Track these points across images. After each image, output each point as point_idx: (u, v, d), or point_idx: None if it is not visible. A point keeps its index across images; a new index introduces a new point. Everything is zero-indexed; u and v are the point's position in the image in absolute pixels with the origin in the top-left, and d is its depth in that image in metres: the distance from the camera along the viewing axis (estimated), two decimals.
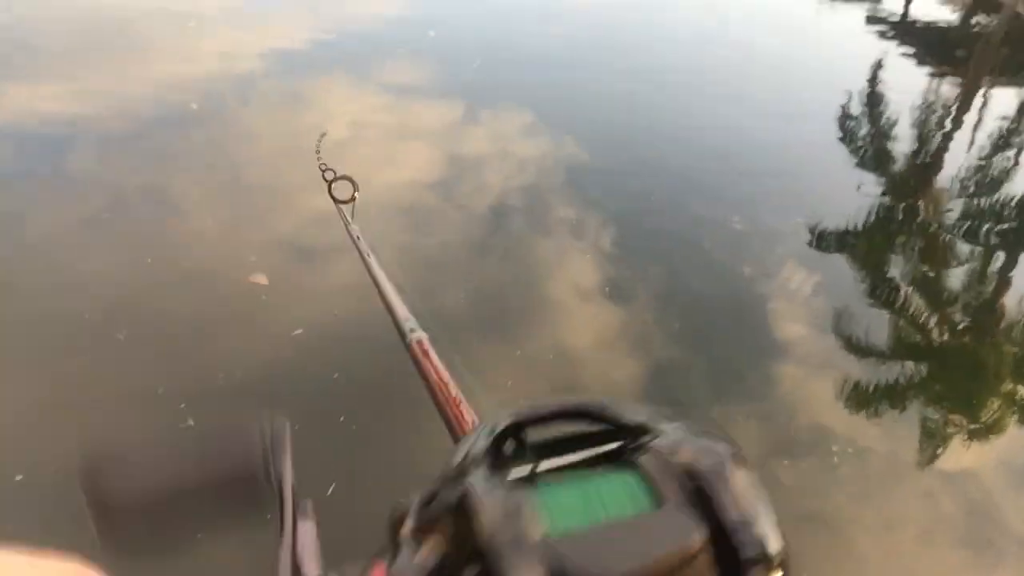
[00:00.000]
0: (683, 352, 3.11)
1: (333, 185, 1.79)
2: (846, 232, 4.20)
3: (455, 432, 0.79)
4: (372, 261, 1.37)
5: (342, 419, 2.54)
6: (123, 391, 2.59)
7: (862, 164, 5.18)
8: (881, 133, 5.65)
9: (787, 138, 5.28)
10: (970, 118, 6.21)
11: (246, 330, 2.92)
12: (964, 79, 6.95)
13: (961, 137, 5.81)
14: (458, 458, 0.39)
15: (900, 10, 8.73)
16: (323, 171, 1.91)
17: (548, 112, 5.10)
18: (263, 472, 0.46)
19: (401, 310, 1.12)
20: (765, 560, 0.34)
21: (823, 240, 4.10)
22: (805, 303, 3.57)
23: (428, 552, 0.36)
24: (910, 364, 3.34)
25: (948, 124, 6.05)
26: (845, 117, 5.78)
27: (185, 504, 0.45)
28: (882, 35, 7.84)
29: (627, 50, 6.63)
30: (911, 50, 7.52)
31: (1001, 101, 6.51)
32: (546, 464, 0.41)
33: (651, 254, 3.74)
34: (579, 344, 3.07)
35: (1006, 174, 5.27)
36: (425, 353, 0.96)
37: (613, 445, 0.42)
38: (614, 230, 3.86)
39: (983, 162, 5.36)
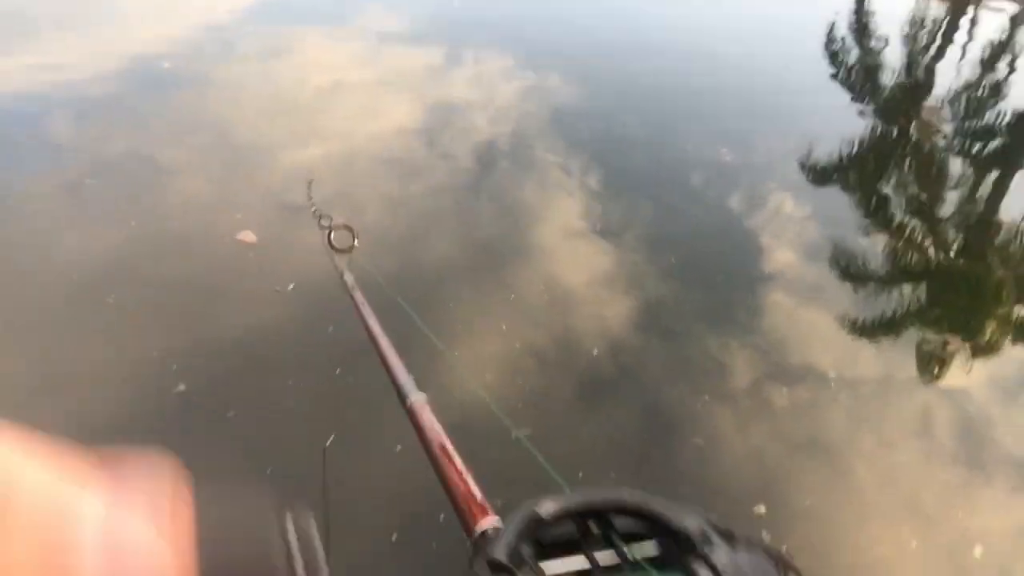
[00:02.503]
0: (681, 284, 3.10)
1: (333, 234, 1.68)
2: (839, 158, 4.16)
3: (462, 511, 0.74)
4: (368, 313, 1.30)
5: (338, 371, 2.53)
6: (114, 354, 2.57)
7: (851, 90, 5.12)
8: (870, 57, 5.56)
9: (770, 67, 5.20)
10: (959, 37, 6.12)
11: (236, 288, 2.89)
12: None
13: (951, 56, 5.72)
14: (499, 542, 0.38)
15: None
16: (318, 218, 1.80)
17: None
18: None
19: (399, 370, 1.06)
20: None
21: (816, 168, 4.06)
22: (800, 230, 3.54)
23: None
24: (906, 287, 3.33)
25: (937, 43, 5.96)
26: (831, 42, 5.69)
27: None
28: None
29: None
30: None
31: (990, 18, 6.41)
32: (602, 554, 0.40)
33: (648, 187, 3.70)
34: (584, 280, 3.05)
35: (995, 93, 5.21)
36: (426, 418, 0.93)
37: (653, 542, 0.41)
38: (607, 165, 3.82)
39: (973, 82, 5.29)
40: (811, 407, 2.60)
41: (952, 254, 3.60)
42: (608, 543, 0.40)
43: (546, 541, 0.40)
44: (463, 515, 0.72)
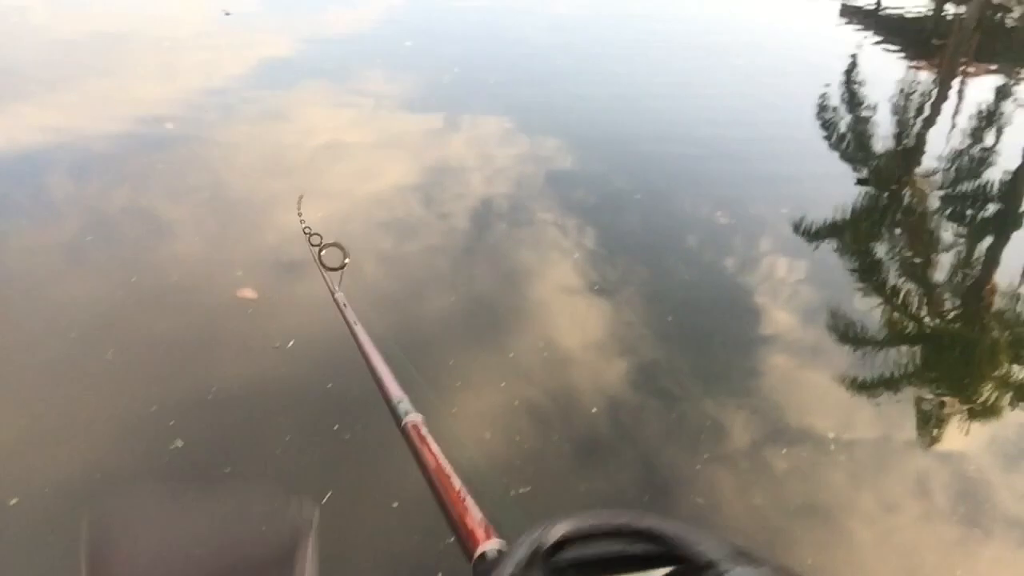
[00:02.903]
0: (676, 344, 3.11)
1: (323, 252, 1.65)
2: (832, 221, 4.22)
3: (461, 534, 0.72)
4: (360, 331, 1.26)
5: (336, 428, 2.52)
6: (112, 409, 2.57)
7: (844, 155, 5.20)
8: (861, 124, 5.68)
9: (767, 133, 5.29)
10: (949, 104, 6.26)
11: (235, 344, 2.90)
12: (940, 67, 7.00)
13: (941, 124, 5.84)
14: (510, 570, 0.36)
15: (873, 1, 8.79)
16: (308, 235, 1.78)
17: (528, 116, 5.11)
18: (285, 563, 0.40)
19: (394, 388, 1.03)
20: None
21: (809, 230, 4.11)
22: (794, 292, 3.57)
23: None
24: (901, 349, 3.35)
25: (927, 112, 6.09)
26: (824, 109, 5.81)
27: None
28: (856, 26, 7.90)
29: (605, 50, 6.65)
30: (886, 40, 7.57)
31: (977, 87, 6.56)
32: None
33: (641, 248, 3.74)
34: (579, 341, 3.06)
35: (986, 158, 5.30)
36: (422, 439, 0.89)
37: (665, 570, 0.39)
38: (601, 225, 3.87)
39: (963, 147, 5.39)
40: (810, 468, 2.59)
41: (947, 318, 3.63)
42: (619, 569, 0.38)
43: (552, 566, 0.38)
44: (462, 536, 0.70)
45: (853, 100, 6.04)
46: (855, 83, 6.37)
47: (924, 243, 4.21)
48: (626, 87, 5.86)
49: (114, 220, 3.69)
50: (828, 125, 5.58)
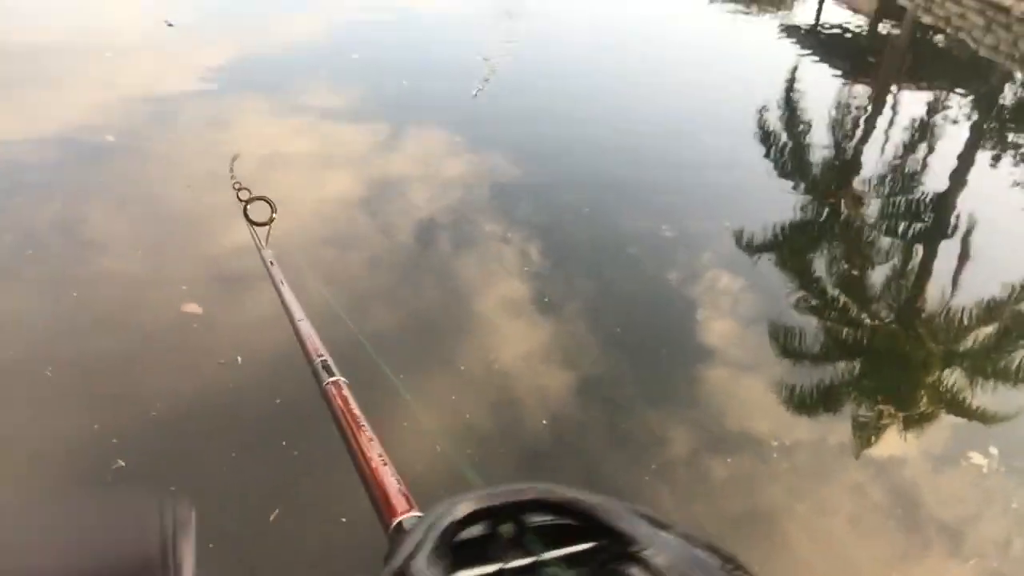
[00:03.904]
0: (622, 357, 3.15)
1: (249, 207, 1.63)
2: (771, 235, 4.32)
3: (379, 502, 0.69)
4: (286, 291, 1.24)
5: (284, 444, 2.50)
6: (51, 429, 2.51)
7: (782, 170, 5.34)
8: (799, 139, 5.83)
9: (707, 151, 5.40)
10: (883, 121, 6.46)
11: (181, 360, 2.86)
12: (874, 84, 7.22)
13: (875, 139, 6.03)
14: (408, 552, 0.33)
15: (811, 20, 9.03)
16: (237, 190, 1.75)
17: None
18: (160, 563, 0.37)
19: (314, 346, 0.99)
20: None
21: (751, 242, 4.20)
22: (734, 304, 3.65)
23: None
24: (837, 358, 3.45)
25: (861, 127, 6.28)
26: (764, 126, 5.95)
27: None
28: (795, 44, 8.11)
29: (538, 69, 6.72)
30: (824, 57, 7.79)
31: (909, 103, 6.79)
32: (519, 563, 0.35)
33: (586, 262, 3.78)
34: (525, 355, 3.09)
35: (918, 171, 5.49)
36: (344, 401, 0.86)
37: (586, 546, 0.36)
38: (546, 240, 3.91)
39: (896, 161, 5.57)
40: (752, 473, 2.66)
41: (883, 325, 3.74)
42: (535, 543, 0.36)
43: (461, 545, 0.36)
44: (379, 505, 0.66)
45: (792, 116, 6.20)
46: (794, 99, 6.54)
47: (860, 253, 4.34)
48: (568, 104, 5.93)
49: (54, 234, 3.61)
50: (768, 140, 5.72)
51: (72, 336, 2.95)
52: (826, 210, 4.85)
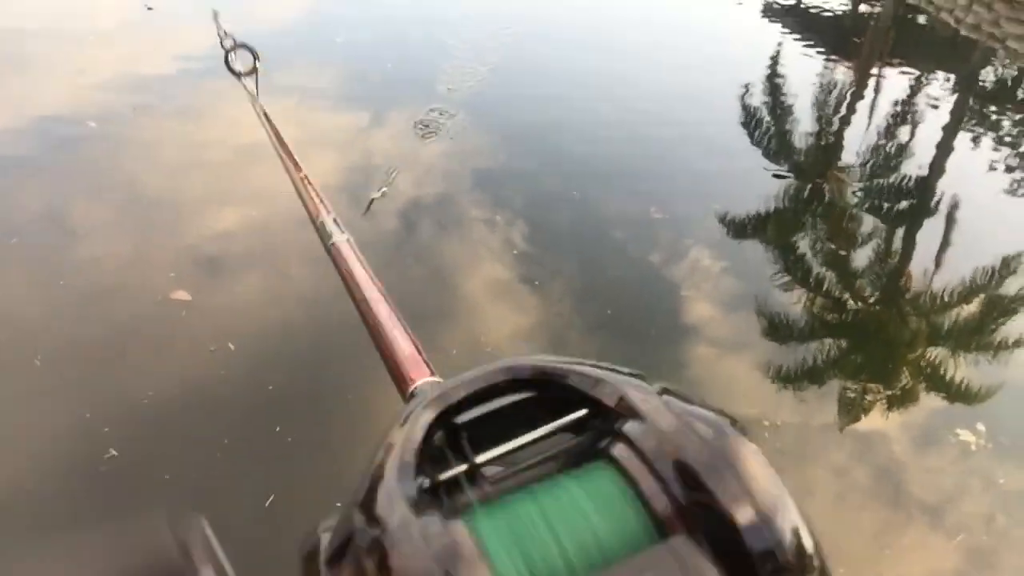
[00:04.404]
0: (615, 336, 3.17)
1: (231, 55, 1.57)
2: (758, 215, 4.34)
3: (393, 370, 0.64)
4: (285, 149, 1.17)
5: (278, 429, 2.51)
6: (42, 417, 2.51)
7: (767, 151, 5.36)
8: (783, 119, 5.85)
9: (689, 132, 5.41)
10: (866, 100, 6.48)
11: (171, 347, 2.86)
12: (857, 64, 7.24)
13: (858, 119, 6.05)
14: (370, 480, 0.31)
15: (793, 1, 9.03)
16: (221, 39, 1.68)
17: None
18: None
19: (320, 207, 0.92)
20: (798, 567, 0.27)
21: (735, 223, 4.22)
22: (724, 283, 3.68)
23: None
24: (824, 337, 3.48)
25: (844, 108, 6.30)
26: (747, 106, 5.96)
27: None
28: (779, 25, 8.11)
29: (522, 46, 6.70)
30: (807, 37, 7.79)
31: (892, 83, 6.81)
32: (489, 454, 0.33)
33: (574, 245, 3.80)
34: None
35: (901, 151, 5.52)
36: (354, 259, 0.80)
37: (574, 416, 0.34)
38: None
39: (879, 142, 5.60)
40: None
41: (867, 304, 3.78)
42: (531, 416, 0.34)
43: (461, 424, 0.35)
44: (393, 369, 0.62)
45: (775, 97, 6.21)
46: (777, 81, 6.56)
47: (844, 234, 4.37)
48: (553, 86, 5.92)
49: (39, 222, 3.59)
50: (752, 121, 5.73)
51: (60, 325, 2.94)
52: (809, 189, 4.87)
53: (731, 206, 4.29)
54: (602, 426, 0.32)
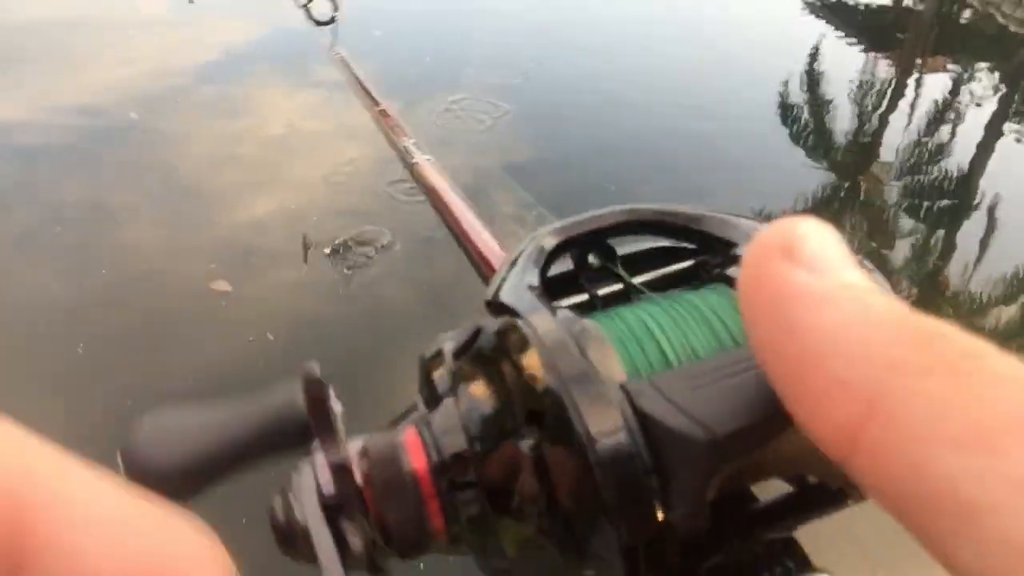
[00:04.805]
0: None
1: (310, 4, 1.61)
2: (793, 211, 4.31)
3: (480, 265, 0.68)
4: (368, 82, 1.25)
5: None
6: (85, 406, 2.57)
7: (805, 146, 5.31)
8: (821, 115, 5.79)
9: (728, 126, 5.38)
10: (907, 97, 6.39)
11: (210, 337, 2.91)
12: (899, 60, 7.14)
13: (899, 116, 5.97)
14: (497, 283, 0.31)
15: None
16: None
17: None
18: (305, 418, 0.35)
19: (400, 130, 1.02)
20: None
21: (771, 218, 4.19)
22: None
23: (468, 406, 0.28)
24: None
25: (885, 104, 6.22)
26: (785, 102, 5.90)
27: (232, 459, 0.36)
28: (820, 19, 8.01)
29: (550, 36, 6.69)
30: (848, 32, 7.70)
31: (935, 80, 6.71)
32: (610, 288, 0.33)
33: None
34: None
35: (940, 151, 5.44)
36: (437, 175, 0.87)
37: (690, 262, 0.34)
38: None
39: (919, 141, 5.53)
40: None
41: (905, 303, 3.74)
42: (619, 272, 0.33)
43: (551, 281, 0.33)
44: (481, 268, 0.66)
45: (814, 92, 6.15)
46: (816, 75, 6.49)
47: (882, 231, 4.33)
48: (590, 80, 5.91)
49: (81, 212, 3.67)
50: (790, 117, 5.68)
51: (102, 313, 3.00)
52: (847, 186, 4.83)
53: (768, 200, 4.26)
54: (719, 257, 0.33)
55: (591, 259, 0.33)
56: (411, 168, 0.92)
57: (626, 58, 6.41)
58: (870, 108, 6.11)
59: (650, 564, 0.23)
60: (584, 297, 0.32)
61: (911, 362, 0.18)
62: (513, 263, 0.31)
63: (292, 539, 0.30)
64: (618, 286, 0.32)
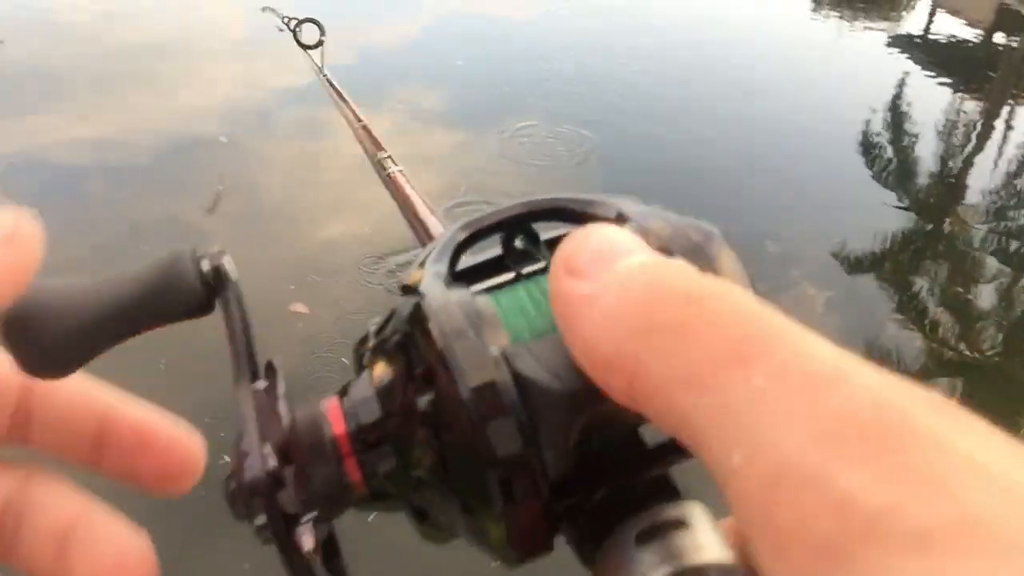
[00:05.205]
0: None
1: (298, 30, 1.69)
2: (872, 251, 4.22)
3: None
4: (343, 98, 1.36)
5: None
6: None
7: (888, 185, 5.20)
8: (906, 155, 5.66)
9: (812, 166, 5.30)
10: (996, 136, 6.21)
11: (288, 359, 2.98)
12: (988, 97, 6.95)
13: (987, 155, 5.81)
14: (412, 271, 0.35)
15: (921, 30, 8.74)
16: (285, 21, 1.81)
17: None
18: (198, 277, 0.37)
19: (377, 147, 1.12)
20: None
21: (851, 261, 4.11)
22: (834, 319, 3.59)
23: (380, 375, 0.32)
24: (940, 381, 3.35)
25: (973, 142, 6.05)
26: (869, 139, 5.79)
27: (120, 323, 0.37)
28: (905, 56, 7.86)
29: (629, 79, 6.69)
30: (935, 70, 7.53)
31: (1022, 121, 6.51)
32: (507, 276, 0.36)
33: None
34: None
35: None
36: (402, 186, 0.96)
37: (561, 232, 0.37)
38: None
39: (1008, 182, 5.36)
40: None
41: (991, 352, 3.62)
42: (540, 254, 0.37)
43: (470, 266, 0.37)
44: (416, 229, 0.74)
45: (899, 130, 6.02)
46: (901, 113, 6.36)
47: (966, 276, 4.20)
48: (668, 122, 5.90)
49: (168, 232, 3.81)
50: (874, 155, 5.57)
51: (184, 330, 3.09)
52: (930, 227, 4.71)
53: (849, 241, 4.18)
54: None
55: (518, 244, 0.37)
56: (386, 179, 1.00)
57: (705, 101, 6.39)
58: (957, 146, 5.95)
59: (525, 503, 0.27)
60: (504, 278, 0.35)
61: (644, 326, 0.22)
62: (428, 255, 0.35)
63: (244, 500, 0.33)
64: (540, 265, 0.36)
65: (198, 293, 0.38)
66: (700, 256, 0.30)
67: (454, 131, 5.22)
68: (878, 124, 6.02)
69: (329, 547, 0.35)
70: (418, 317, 0.30)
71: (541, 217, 0.38)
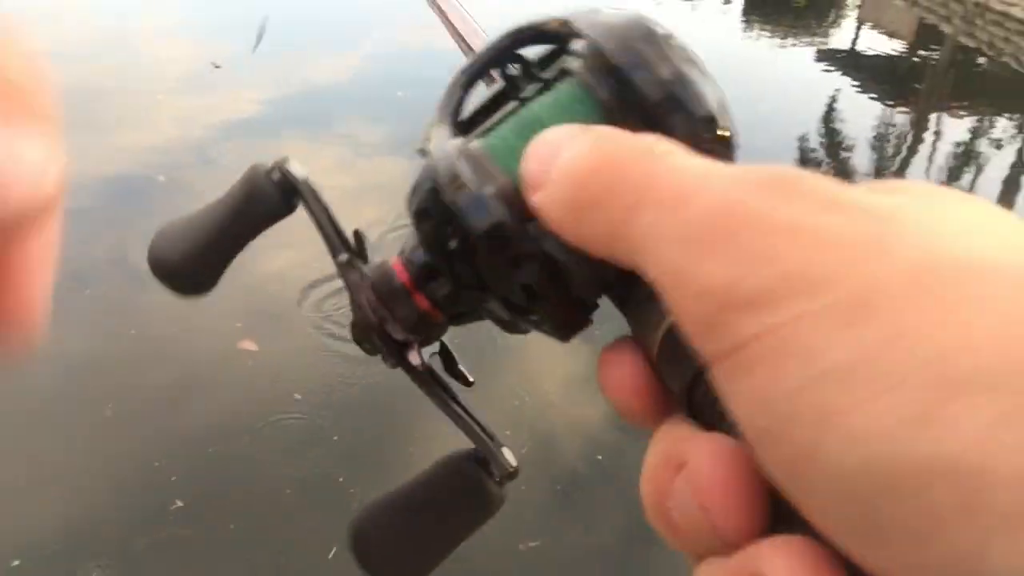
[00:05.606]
0: None
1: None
2: None
3: None
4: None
5: (341, 480, 2.53)
6: (111, 466, 2.57)
7: None
8: (843, 165, 5.80)
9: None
10: (925, 146, 6.41)
11: (238, 397, 2.91)
12: (915, 109, 7.17)
13: (918, 164, 5.98)
14: (424, 136, 0.39)
15: (847, 45, 9.01)
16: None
17: None
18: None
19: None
20: (711, 119, 0.38)
21: None
22: None
23: (420, 228, 0.37)
24: None
25: (904, 153, 6.23)
26: (806, 154, 5.93)
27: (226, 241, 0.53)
28: (835, 71, 8.08)
29: None
30: (862, 83, 7.75)
31: (952, 128, 6.73)
32: (497, 116, 0.38)
33: None
34: None
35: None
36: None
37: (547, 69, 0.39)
38: None
39: (942, 184, 5.51)
40: None
41: None
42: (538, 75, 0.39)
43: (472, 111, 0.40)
44: None
45: (832, 142, 6.18)
46: (833, 126, 6.52)
47: None
48: None
49: (109, 274, 3.71)
50: (810, 169, 5.68)
51: (131, 375, 3.02)
52: None
53: None
54: (560, 51, 0.39)
55: (511, 71, 0.40)
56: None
57: None
58: (889, 157, 6.12)
59: (547, 296, 0.33)
60: (509, 107, 0.38)
61: (572, 206, 0.28)
62: (434, 116, 0.39)
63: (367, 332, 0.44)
64: (539, 84, 0.38)
65: (276, 200, 0.52)
66: (649, 51, 0.36)
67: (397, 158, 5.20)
68: (813, 138, 6.16)
69: (447, 358, 0.47)
70: (428, 177, 0.35)
71: (524, 43, 0.40)
